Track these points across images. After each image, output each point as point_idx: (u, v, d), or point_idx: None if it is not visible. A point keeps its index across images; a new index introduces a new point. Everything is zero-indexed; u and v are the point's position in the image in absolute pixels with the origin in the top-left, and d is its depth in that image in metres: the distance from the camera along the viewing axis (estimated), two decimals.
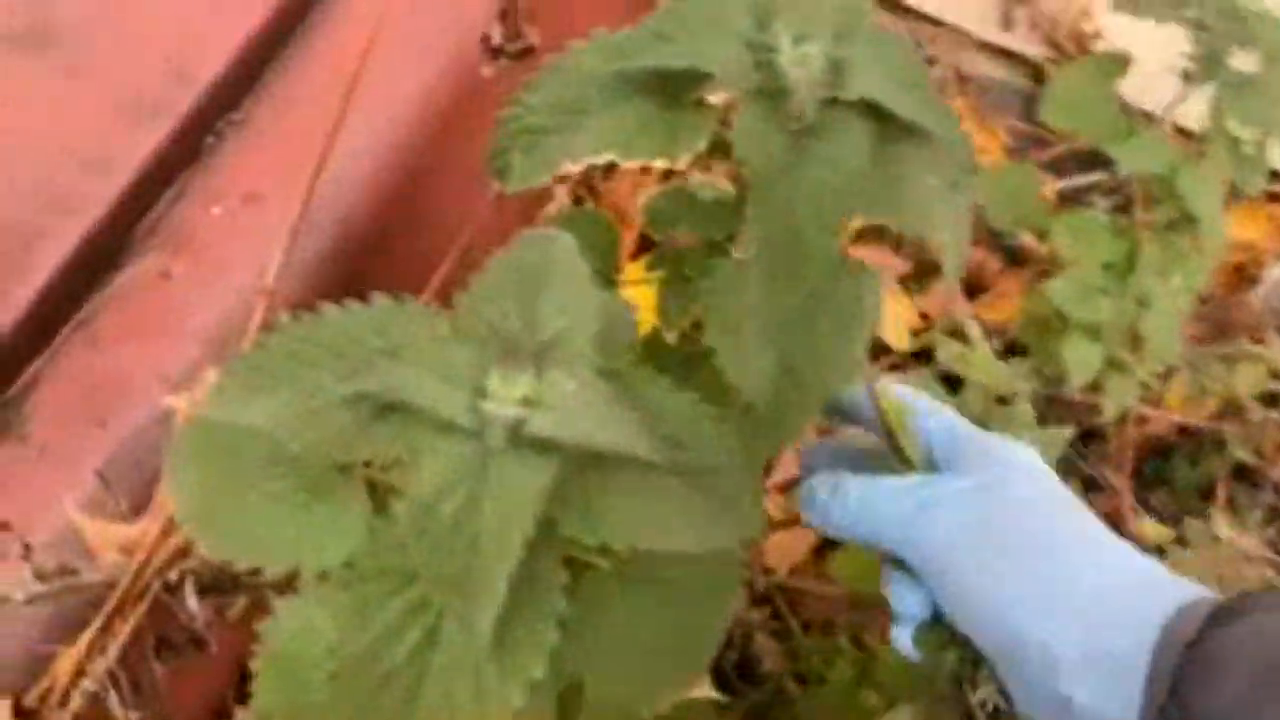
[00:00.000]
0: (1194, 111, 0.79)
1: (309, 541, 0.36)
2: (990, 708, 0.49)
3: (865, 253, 1.14)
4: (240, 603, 0.52)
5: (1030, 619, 0.45)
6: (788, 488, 0.98)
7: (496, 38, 0.65)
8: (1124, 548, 0.47)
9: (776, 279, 0.41)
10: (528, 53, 0.64)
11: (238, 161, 0.70)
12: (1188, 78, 0.70)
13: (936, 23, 1.16)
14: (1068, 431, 0.66)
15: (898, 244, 1.16)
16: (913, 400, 0.55)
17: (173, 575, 0.46)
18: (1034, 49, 1.15)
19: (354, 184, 0.68)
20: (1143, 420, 0.94)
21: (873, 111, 0.40)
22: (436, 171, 0.73)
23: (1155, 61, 0.79)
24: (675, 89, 0.41)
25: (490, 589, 0.30)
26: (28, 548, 0.51)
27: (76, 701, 0.44)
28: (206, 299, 0.66)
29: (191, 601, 0.46)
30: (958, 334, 0.93)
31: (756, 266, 0.40)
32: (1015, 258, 1.09)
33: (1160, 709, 0.42)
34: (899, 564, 0.51)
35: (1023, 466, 0.50)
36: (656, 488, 0.35)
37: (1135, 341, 0.81)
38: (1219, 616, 0.42)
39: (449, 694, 0.33)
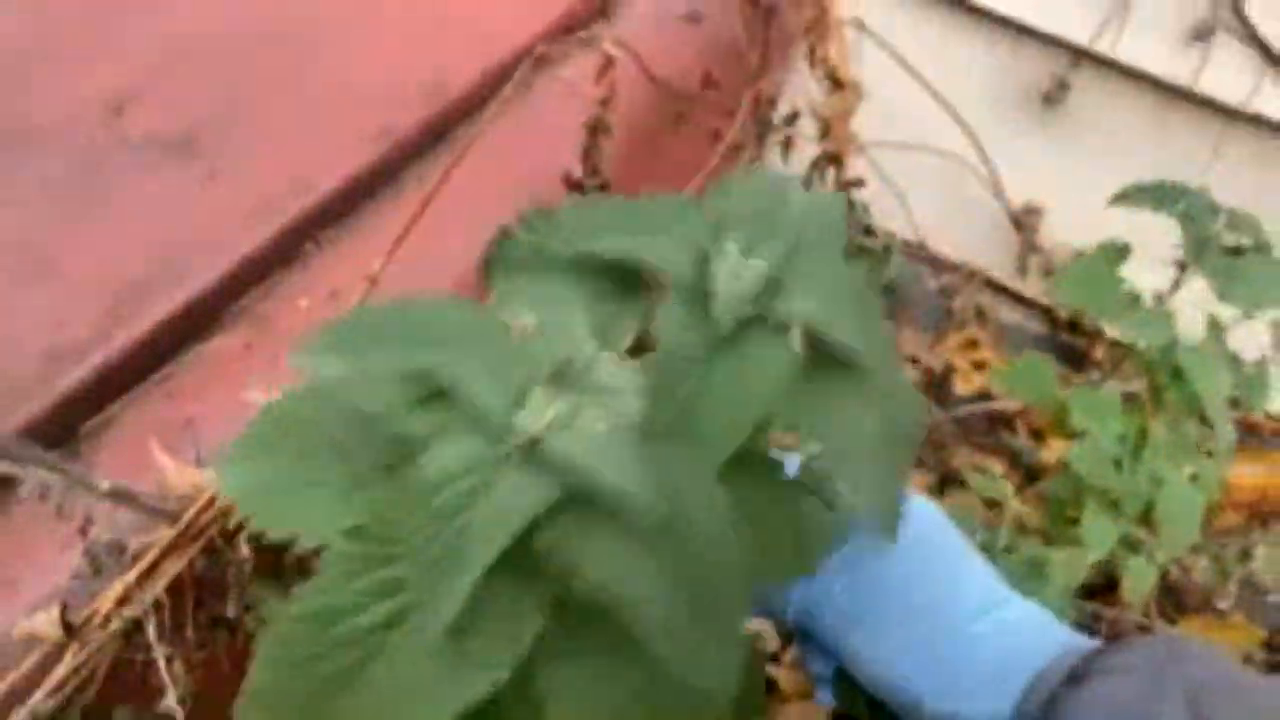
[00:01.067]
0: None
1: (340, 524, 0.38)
2: None
3: None
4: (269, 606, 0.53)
5: (916, 685, 0.49)
6: (798, 664, 0.96)
7: (577, 173, 0.75)
8: (1002, 601, 0.50)
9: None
10: (604, 188, 0.74)
11: (329, 265, 0.79)
12: (1182, 267, 0.78)
13: (957, 268, 1.28)
14: (1089, 557, 0.67)
15: (921, 461, 1.21)
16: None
17: (231, 523, 0.48)
18: (1047, 296, 1.26)
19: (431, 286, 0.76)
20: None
21: (810, 337, 0.39)
22: None
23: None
24: (626, 275, 0.42)
25: (463, 577, 0.32)
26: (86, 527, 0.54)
27: (116, 624, 0.45)
28: (278, 373, 0.72)
29: (244, 549, 0.48)
30: None
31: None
32: (1032, 474, 1.12)
33: None
34: (806, 635, 0.55)
35: (910, 526, 0.51)
36: (641, 566, 0.35)
37: (1153, 527, 0.83)
38: (1073, 677, 0.45)
39: (397, 676, 0.33)
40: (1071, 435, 0.90)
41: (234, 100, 0.84)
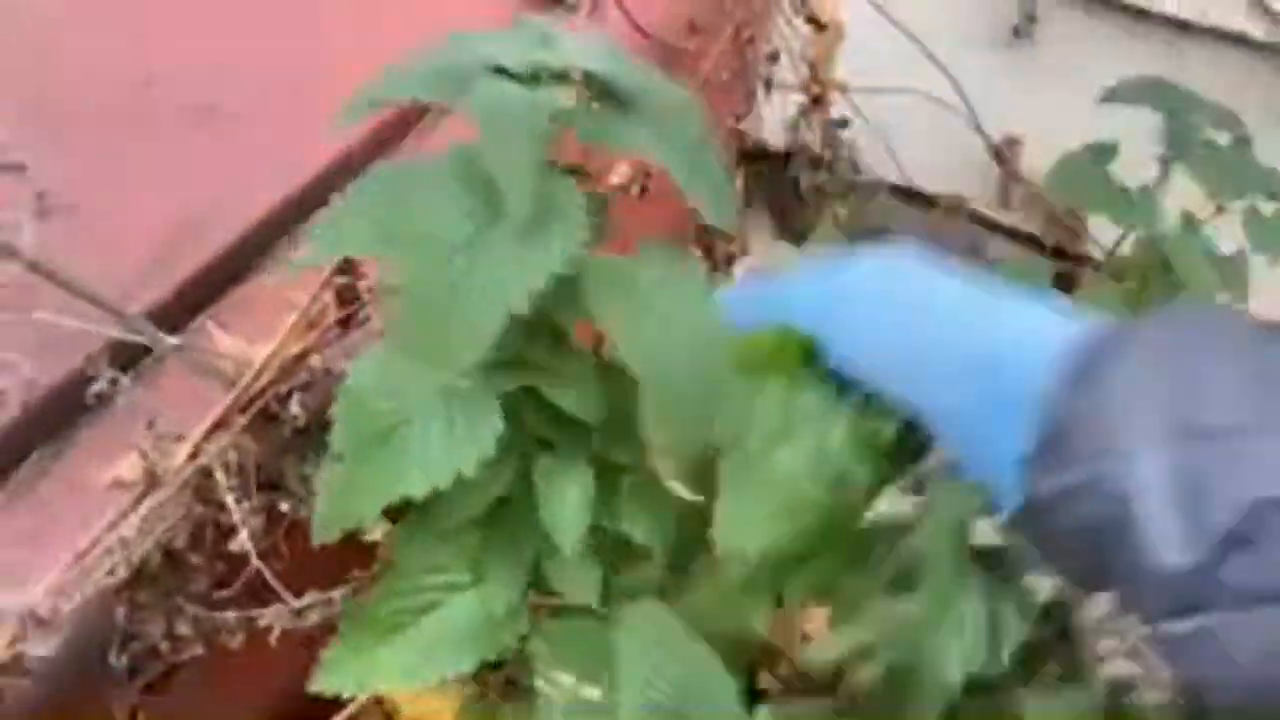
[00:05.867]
0: None
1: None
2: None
3: None
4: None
5: (937, 385, 0.44)
6: None
7: None
8: (1021, 307, 0.46)
9: None
10: None
11: None
12: (1164, 162, 0.82)
13: (942, 203, 1.33)
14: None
15: None
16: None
17: (284, 388, 0.52)
18: (1031, 225, 1.31)
19: None
20: None
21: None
22: None
23: None
24: None
25: (531, 156, 0.42)
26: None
27: (189, 472, 0.49)
28: None
29: (296, 407, 0.52)
30: None
31: None
32: None
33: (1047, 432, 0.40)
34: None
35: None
36: (651, 134, 0.47)
37: None
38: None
39: (496, 272, 0.42)
40: None
41: (257, 74, 0.88)
